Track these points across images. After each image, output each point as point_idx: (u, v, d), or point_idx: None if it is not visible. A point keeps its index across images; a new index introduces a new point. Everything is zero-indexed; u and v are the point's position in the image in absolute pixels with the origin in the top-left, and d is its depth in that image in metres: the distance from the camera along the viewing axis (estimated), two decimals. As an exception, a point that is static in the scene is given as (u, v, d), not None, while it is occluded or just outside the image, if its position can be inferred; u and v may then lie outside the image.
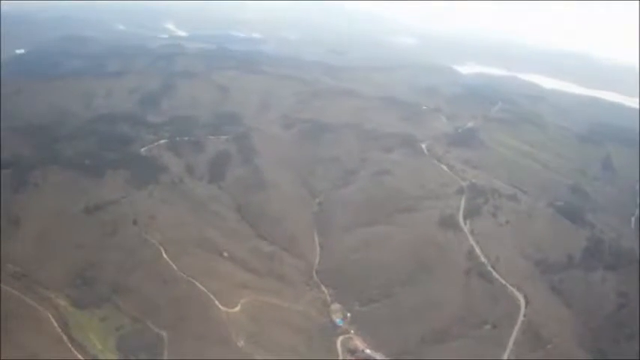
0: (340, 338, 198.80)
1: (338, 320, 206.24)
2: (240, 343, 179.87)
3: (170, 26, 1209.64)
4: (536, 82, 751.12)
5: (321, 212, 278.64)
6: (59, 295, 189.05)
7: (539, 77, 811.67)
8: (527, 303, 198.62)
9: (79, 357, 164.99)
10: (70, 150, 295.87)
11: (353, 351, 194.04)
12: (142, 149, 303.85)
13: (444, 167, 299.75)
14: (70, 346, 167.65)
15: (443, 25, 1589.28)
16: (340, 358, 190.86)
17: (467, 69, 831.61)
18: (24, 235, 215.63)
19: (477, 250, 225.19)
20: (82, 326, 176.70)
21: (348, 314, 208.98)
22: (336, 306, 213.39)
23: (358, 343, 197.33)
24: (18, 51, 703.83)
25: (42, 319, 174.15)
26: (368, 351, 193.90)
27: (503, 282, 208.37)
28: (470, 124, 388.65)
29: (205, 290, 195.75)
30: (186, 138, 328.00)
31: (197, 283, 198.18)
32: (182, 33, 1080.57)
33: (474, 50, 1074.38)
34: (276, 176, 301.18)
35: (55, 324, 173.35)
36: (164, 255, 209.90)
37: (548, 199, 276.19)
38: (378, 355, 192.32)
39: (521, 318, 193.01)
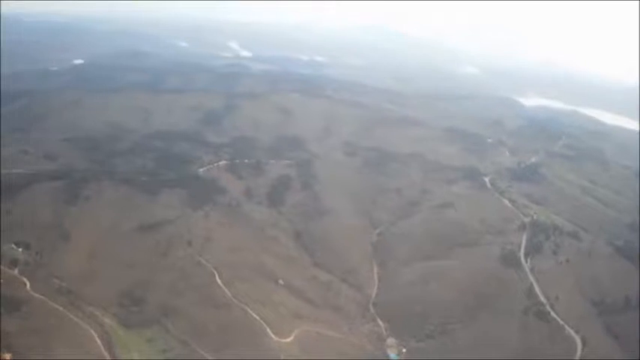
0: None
1: (393, 355, 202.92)
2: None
3: (233, 45, 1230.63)
4: (597, 117, 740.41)
5: (380, 243, 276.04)
6: (105, 313, 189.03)
7: (600, 112, 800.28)
8: (583, 345, 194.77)
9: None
10: (126, 165, 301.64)
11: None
12: (201, 169, 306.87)
13: (506, 202, 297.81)
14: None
15: (503, 55, 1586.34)
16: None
17: (529, 101, 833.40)
18: (73, 250, 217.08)
19: (537, 289, 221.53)
20: (127, 346, 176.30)
21: (404, 350, 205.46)
22: (391, 340, 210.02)
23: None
24: (76, 61, 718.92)
25: (86, 336, 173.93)
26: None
27: (561, 322, 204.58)
28: (533, 159, 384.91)
29: (258, 318, 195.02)
30: (246, 160, 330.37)
31: (250, 310, 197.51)
32: (245, 53, 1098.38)
33: (535, 82, 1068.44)
34: (337, 204, 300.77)
35: (99, 342, 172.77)
36: (217, 279, 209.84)
37: (608, 238, 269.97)
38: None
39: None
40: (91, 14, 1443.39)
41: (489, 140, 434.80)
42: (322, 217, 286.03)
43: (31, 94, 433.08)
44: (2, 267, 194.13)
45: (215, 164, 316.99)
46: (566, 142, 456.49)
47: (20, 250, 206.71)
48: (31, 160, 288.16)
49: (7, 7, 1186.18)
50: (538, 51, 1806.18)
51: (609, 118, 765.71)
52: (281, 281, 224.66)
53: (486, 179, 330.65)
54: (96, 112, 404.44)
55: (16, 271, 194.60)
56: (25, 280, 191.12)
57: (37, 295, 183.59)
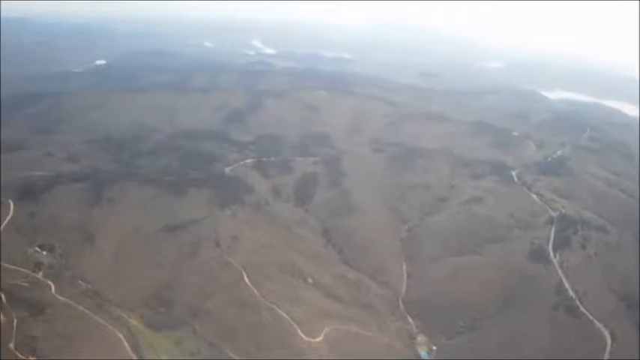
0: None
1: (423, 354, 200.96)
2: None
3: (257, 43, 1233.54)
4: (620, 110, 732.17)
5: (409, 239, 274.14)
6: (132, 315, 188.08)
7: (623, 104, 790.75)
8: (612, 340, 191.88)
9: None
10: (151, 166, 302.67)
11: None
12: (227, 168, 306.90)
13: (534, 196, 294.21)
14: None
15: (527, 49, 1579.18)
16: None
17: (553, 94, 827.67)
18: (98, 251, 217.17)
19: (566, 284, 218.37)
20: (154, 348, 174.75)
21: (434, 347, 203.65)
22: (421, 338, 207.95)
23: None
24: (99, 62, 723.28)
25: (112, 339, 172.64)
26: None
27: (591, 318, 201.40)
28: (559, 152, 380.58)
29: (287, 318, 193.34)
30: (273, 158, 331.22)
31: (279, 310, 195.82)
32: (269, 50, 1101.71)
33: (559, 75, 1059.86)
34: (365, 201, 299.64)
35: (126, 345, 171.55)
36: (246, 279, 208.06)
37: (635, 231, 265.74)
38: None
39: (606, 356, 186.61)
40: (111, 15, 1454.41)
41: (515, 134, 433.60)
42: (350, 214, 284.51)
43: (54, 95, 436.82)
44: (26, 270, 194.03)
45: (241, 163, 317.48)
46: (591, 135, 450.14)
47: (44, 252, 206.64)
48: (55, 162, 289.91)
49: (28, 10, 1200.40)
50: (561, 44, 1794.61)
51: (633, 110, 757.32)
52: (310, 280, 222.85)
53: (514, 173, 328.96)
54: (119, 113, 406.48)
55: (40, 274, 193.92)
56: (49, 283, 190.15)
57: (62, 298, 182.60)
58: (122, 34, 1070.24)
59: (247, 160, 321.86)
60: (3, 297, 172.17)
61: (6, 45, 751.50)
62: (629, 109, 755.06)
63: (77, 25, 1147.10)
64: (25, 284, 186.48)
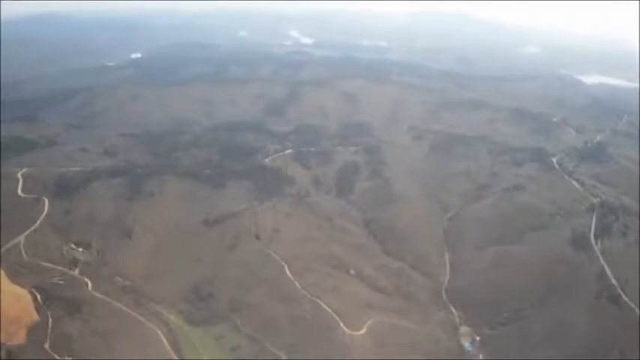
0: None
1: (467, 344, 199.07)
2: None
3: (294, 33, 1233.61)
4: None
5: (451, 228, 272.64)
6: (171, 310, 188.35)
7: None
8: None
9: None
10: (190, 159, 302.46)
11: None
12: (266, 159, 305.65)
13: (575, 183, 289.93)
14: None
15: (562, 33, 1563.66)
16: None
17: (589, 79, 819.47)
18: (136, 247, 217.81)
19: (608, 272, 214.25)
20: (194, 344, 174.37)
21: (477, 338, 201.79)
22: (465, 329, 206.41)
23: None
24: (134, 55, 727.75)
25: (151, 336, 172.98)
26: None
27: (632, 306, 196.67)
28: (598, 138, 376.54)
29: (330, 310, 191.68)
30: (312, 148, 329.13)
31: (321, 303, 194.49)
32: (307, 40, 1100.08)
33: (594, 59, 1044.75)
34: (406, 190, 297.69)
35: (165, 341, 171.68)
36: (287, 272, 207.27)
37: None
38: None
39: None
40: (148, 10, 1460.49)
41: (554, 120, 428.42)
42: (391, 203, 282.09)
43: (89, 90, 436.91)
44: (62, 268, 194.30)
45: (281, 154, 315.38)
46: (629, 120, 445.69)
47: (80, 249, 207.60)
48: (91, 157, 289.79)
49: (60, 6, 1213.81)
50: (596, 28, 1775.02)
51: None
52: (352, 271, 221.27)
53: (554, 160, 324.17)
54: (156, 106, 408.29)
55: (76, 272, 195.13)
56: (86, 280, 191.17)
57: (98, 295, 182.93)
58: (158, 28, 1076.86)
59: (287, 151, 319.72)
60: (39, 296, 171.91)
61: (42, 42, 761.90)
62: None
63: (114, 20, 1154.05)
64: (61, 282, 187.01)
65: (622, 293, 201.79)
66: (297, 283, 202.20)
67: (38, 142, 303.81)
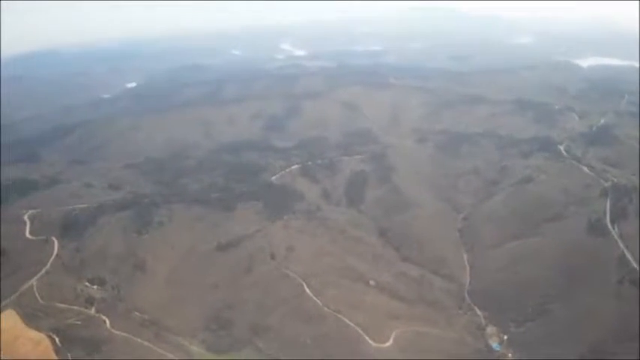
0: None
1: (495, 345, 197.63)
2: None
3: (286, 46, 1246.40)
4: None
5: (466, 228, 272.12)
6: (193, 341, 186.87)
7: None
8: None
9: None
10: (196, 184, 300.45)
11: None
12: (273, 177, 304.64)
13: (585, 169, 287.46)
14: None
15: (553, 19, 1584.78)
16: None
17: (585, 62, 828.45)
18: (151, 279, 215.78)
19: (628, 256, 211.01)
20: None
21: (505, 337, 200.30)
22: (491, 329, 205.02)
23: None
24: (129, 85, 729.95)
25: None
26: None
27: None
28: (602, 121, 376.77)
29: (353, 325, 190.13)
30: (318, 161, 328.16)
31: (344, 318, 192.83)
32: (300, 52, 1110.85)
33: (588, 41, 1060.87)
34: (417, 194, 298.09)
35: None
36: (306, 289, 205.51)
37: None
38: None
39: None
40: (135, 37, 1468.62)
41: (556, 107, 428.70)
42: (404, 209, 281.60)
43: (87, 124, 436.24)
44: (78, 307, 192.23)
45: (287, 170, 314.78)
46: (630, 100, 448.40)
47: (95, 287, 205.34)
48: (96, 192, 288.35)
49: (44, 44, 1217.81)
50: (585, 11, 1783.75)
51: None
52: (372, 282, 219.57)
53: (561, 147, 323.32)
54: (156, 133, 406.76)
55: (93, 310, 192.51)
56: (104, 318, 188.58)
57: (117, 332, 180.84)
58: (150, 55, 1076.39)
59: (293, 167, 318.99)
60: (57, 339, 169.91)
61: (36, 80, 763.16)
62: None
63: (106, 52, 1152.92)
64: (79, 322, 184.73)
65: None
66: (317, 300, 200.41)
67: (42, 181, 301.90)
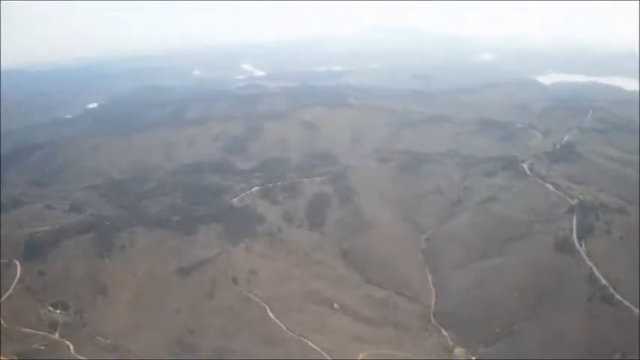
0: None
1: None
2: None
3: (247, 67, 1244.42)
4: (617, 86, 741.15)
5: (430, 249, 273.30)
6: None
7: (619, 79, 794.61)
8: None
9: None
10: (156, 207, 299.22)
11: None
12: (234, 199, 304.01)
13: (550, 186, 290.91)
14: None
15: (514, 36, 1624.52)
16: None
17: (548, 79, 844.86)
18: (113, 304, 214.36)
19: (597, 273, 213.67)
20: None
21: (473, 358, 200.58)
22: (459, 350, 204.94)
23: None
24: (90, 105, 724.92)
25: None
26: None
27: (627, 304, 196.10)
28: (566, 138, 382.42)
29: (318, 349, 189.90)
30: (279, 183, 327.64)
31: (308, 342, 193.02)
32: (260, 72, 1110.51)
33: (550, 58, 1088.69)
34: (379, 215, 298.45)
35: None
36: (270, 313, 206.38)
37: None
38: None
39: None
40: (95, 58, 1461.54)
41: (519, 125, 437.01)
42: (366, 231, 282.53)
43: (47, 145, 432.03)
44: (42, 332, 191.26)
45: (248, 192, 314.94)
46: (594, 116, 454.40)
47: (58, 311, 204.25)
48: (57, 214, 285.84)
49: (8, 62, 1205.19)
50: (546, 27, 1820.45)
51: (632, 85, 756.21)
52: (336, 305, 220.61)
53: (525, 166, 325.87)
54: (117, 155, 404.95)
55: (57, 335, 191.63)
56: (67, 343, 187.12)
57: (82, 357, 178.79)
58: (112, 75, 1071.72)
59: (254, 189, 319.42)
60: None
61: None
62: (628, 85, 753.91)
63: (67, 71, 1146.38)
64: (43, 347, 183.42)
65: (614, 293, 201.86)
66: (281, 324, 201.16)
67: (3, 203, 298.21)
